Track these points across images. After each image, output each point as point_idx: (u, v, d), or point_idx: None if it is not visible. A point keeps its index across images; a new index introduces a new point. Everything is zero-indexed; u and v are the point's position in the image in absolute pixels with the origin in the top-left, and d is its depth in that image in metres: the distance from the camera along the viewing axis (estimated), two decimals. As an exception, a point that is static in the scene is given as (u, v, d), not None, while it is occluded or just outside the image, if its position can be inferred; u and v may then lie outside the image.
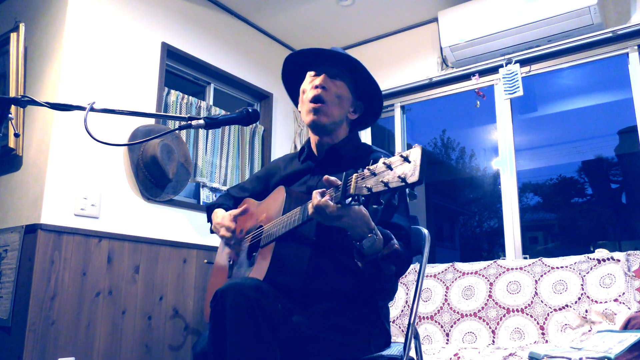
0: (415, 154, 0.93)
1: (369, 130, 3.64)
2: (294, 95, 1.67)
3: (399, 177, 0.94)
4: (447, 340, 2.72)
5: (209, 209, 1.74)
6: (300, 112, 1.57)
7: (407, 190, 0.95)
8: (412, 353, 1.54)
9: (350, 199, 1.09)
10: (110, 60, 2.71)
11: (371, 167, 1.02)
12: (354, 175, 1.07)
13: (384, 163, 0.99)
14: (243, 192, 1.75)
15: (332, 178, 1.16)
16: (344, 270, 1.38)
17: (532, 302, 2.57)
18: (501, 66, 3.16)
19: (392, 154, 1.02)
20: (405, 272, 1.36)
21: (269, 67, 3.72)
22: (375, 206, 1.02)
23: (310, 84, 1.51)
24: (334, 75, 1.50)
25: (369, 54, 3.82)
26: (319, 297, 1.36)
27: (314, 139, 1.57)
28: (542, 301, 2.54)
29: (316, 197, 1.16)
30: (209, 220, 1.72)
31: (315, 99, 1.47)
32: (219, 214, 1.62)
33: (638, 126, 2.78)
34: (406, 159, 0.94)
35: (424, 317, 2.84)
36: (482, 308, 2.69)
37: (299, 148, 3.77)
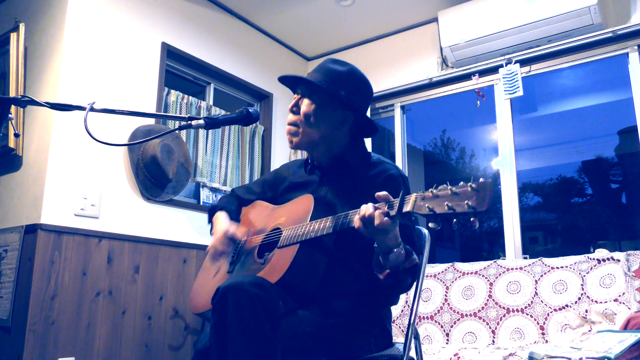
0: (486, 188, 1.00)
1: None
2: None
3: (467, 204, 1.01)
4: (447, 340, 2.72)
5: (210, 211, 1.75)
6: None
7: (471, 218, 1.02)
8: (412, 353, 1.54)
9: (399, 215, 1.12)
10: (110, 60, 2.71)
11: (434, 191, 1.08)
12: (414, 195, 1.10)
13: (450, 189, 1.05)
14: (250, 194, 1.76)
15: (384, 193, 1.17)
16: (355, 276, 1.41)
17: (532, 302, 2.57)
18: (501, 66, 3.16)
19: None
20: (414, 283, 1.39)
21: (269, 67, 3.72)
22: (431, 225, 1.08)
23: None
24: (304, 94, 1.48)
25: (369, 54, 3.82)
26: (325, 297, 1.37)
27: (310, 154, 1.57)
28: (542, 301, 2.54)
29: (369, 209, 1.17)
30: (210, 222, 1.72)
31: (288, 124, 1.50)
32: (220, 220, 1.63)
33: (638, 126, 2.78)
34: (475, 190, 1.02)
35: (424, 317, 2.84)
36: (482, 308, 2.69)
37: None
